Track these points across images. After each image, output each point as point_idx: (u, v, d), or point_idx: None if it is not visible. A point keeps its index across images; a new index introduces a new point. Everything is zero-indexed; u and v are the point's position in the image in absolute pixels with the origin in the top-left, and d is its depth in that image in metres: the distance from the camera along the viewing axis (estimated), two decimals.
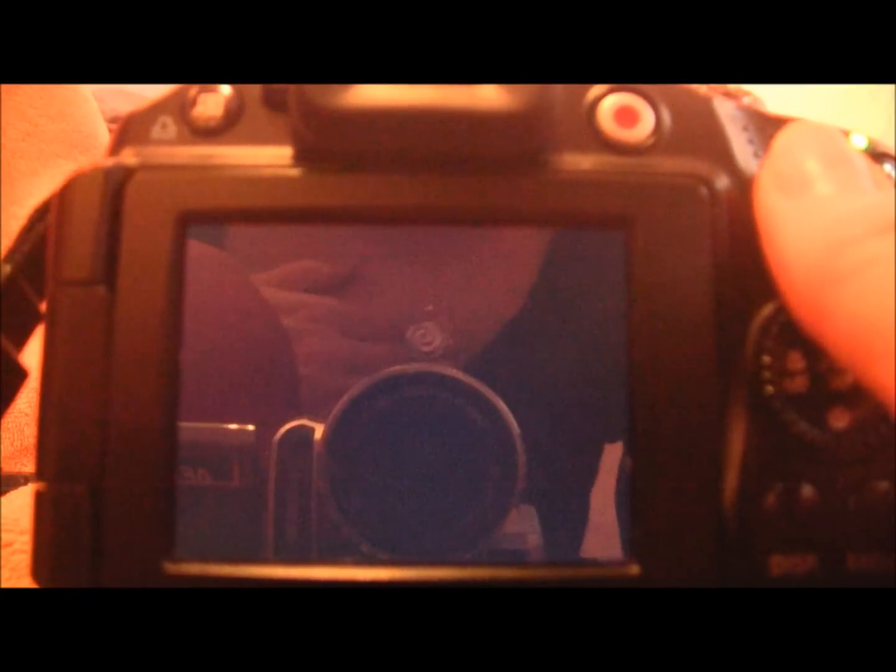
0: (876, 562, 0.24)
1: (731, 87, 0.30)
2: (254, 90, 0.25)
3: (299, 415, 0.25)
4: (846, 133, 0.25)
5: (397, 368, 0.25)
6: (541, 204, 0.25)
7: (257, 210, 0.25)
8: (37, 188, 0.56)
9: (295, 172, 0.25)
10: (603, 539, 0.24)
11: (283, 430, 0.25)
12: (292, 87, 0.24)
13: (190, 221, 0.24)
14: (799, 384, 0.24)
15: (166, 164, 0.25)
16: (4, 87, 0.58)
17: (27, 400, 0.28)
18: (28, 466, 0.49)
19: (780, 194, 0.22)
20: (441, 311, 0.25)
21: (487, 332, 0.25)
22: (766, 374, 0.24)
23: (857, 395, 0.24)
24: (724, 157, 0.25)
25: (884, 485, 0.24)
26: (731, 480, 0.24)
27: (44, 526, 0.24)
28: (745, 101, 0.30)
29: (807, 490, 0.24)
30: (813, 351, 0.24)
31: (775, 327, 0.24)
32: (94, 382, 0.24)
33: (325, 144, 0.25)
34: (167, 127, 0.25)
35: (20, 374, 0.28)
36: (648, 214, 0.25)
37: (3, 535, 0.35)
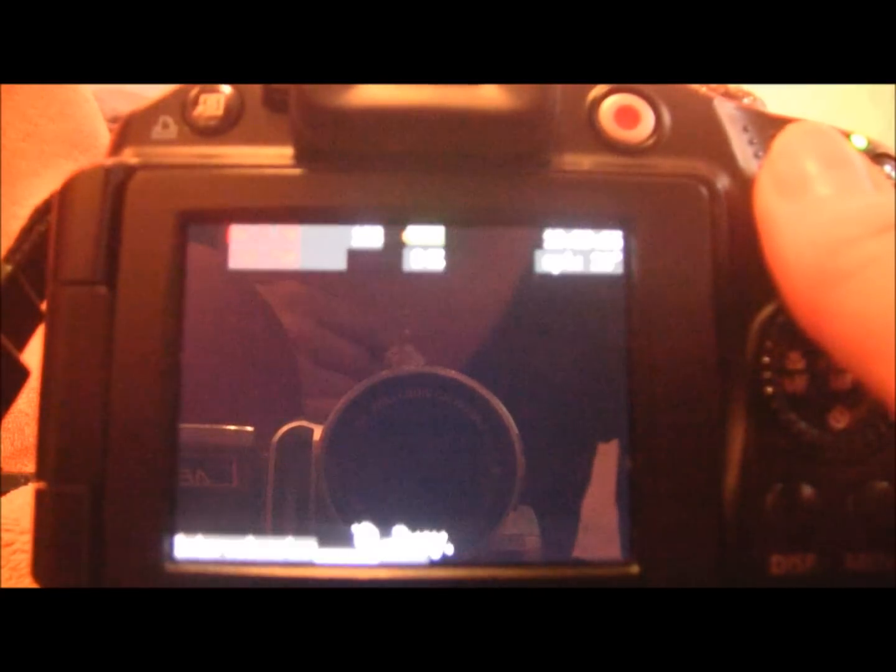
0: (875, 561, 0.24)
1: (732, 87, 0.30)
2: (254, 90, 0.26)
3: (298, 416, 0.25)
4: (846, 134, 0.25)
5: (396, 370, 0.25)
6: (541, 204, 0.25)
7: (257, 209, 0.25)
8: (37, 188, 0.55)
9: (295, 172, 0.25)
10: (602, 539, 0.24)
11: (281, 431, 0.25)
12: (293, 88, 0.24)
13: (190, 221, 0.24)
14: (798, 384, 0.24)
15: (167, 163, 0.25)
16: (4, 87, 0.58)
17: (27, 400, 0.28)
18: (28, 466, 0.49)
19: (780, 195, 0.22)
20: (419, 334, 0.25)
21: (477, 341, 0.25)
22: (766, 375, 0.24)
23: (857, 395, 0.24)
24: (724, 157, 0.25)
25: (883, 485, 0.24)
26: (731, 480, 0.24)
27: (44, 526, 0.24)
28: (746, 101, 0.30)
29: (806, 490, 0.24)
30: (812, 351, 0.24)
31: (775, 328, 0.24)
32: (94, 382, 0.24)
33: (325, 144, 0.25)
34: (168, 127, 0.25)
35: (21, 374, 0.28)
36: (648, 214, 0.25)
37: (4, 535, 0.35)
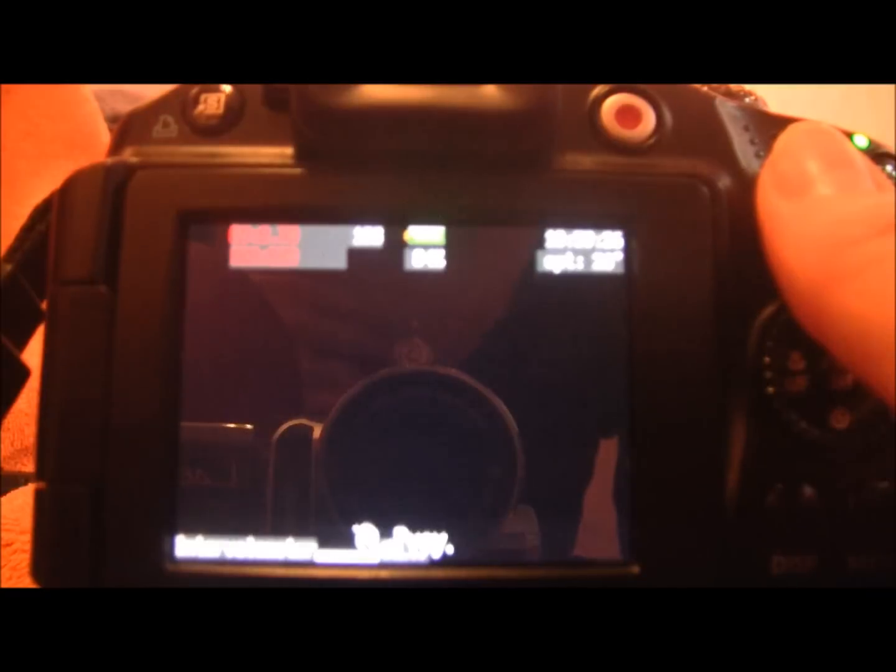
0: (876, 561, 0.24)
1: (733, 86, 0.30)
2: (255, 90, 0.26)
3: (298, 414, 0.25)
4: (848, 134, 0.25)
5: (396, 368, 0.25)
6: (542, 203, 0.25)
7: (258, 209, 0.25)
8: (37, 188, 0.55)
9: (295, 172, 0.25)
10: (602, 539, 0.24)
11: (281, 429, 0.25)
12: (293, 87, 0.24)
13: (191, 220, 0.24)
14: (799, 384, 0.24)
15: (167, 162, 0.25)
16: (4, 87, 0.58)
17: (27, 400, 0.28)
18: (28, 466, 0.49)
19: (781, 195, 0.22)
20: (426, 326, 0.25)
21: (477, 340, 0.25)
22: (767, 375, 0.24)
23: (858, 395, 0.24)
24: (725, 157, 0.25)
25: (884, 485, 0.24)
26: (732, 480, 0.24)
27: (44, 526, 0.24)
28: (747, 101, 0.30)
29: (807, 490, 0.24)
30: (814, 351, 0.24)
31: (776, 328, 0.24)
32: (94, 382, 0.24)
33: (325, 144, 0.25)
34: (168, 126, 0.25)
35: (22, 374, 0.28)
36: (650, 214, 0.25)
37: (4, 535, 0.35)
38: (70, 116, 0.61)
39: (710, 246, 0.24)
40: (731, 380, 0.24)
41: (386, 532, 0.24)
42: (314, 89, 0.24)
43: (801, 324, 0.21)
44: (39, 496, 0.24)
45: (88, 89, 0.64)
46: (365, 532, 0.24)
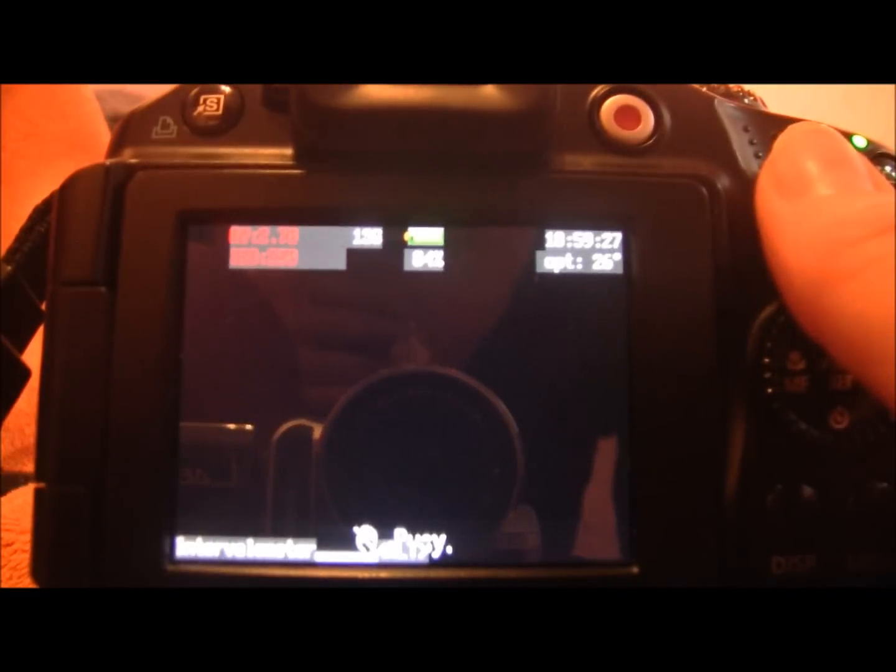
0: (875, 561, 0.24)
1: (733, 87, 0.30)
2: (254, 90, 0.26)
3: (298, 415, 0.25)
4: (847, 134, 0.25)
5: (396, 369, 0.25)
6: (541, 204, 0.25)
7: (257, 210, 0.25)
8: (37, 188, 0.55)
9: (295, 172, 0.25)
10: (602, 539, 0.24)
11: (281, 429, 0.25)
12: (293, 88, 0.24)
13: (190, 221, 0.24)
14: (799, 385, 0.24)
15: (167, 163, 0.25)
16: (4, 87, 0.58)
17: (27, 400, 0.28)
18: (28, 466, 0.49)
19: (780, 195, 0.22)
20: (426, 326, 0.25)
21: (477, 341, 0.25)
22: (767, 375, 0.24)
23: (857, 395, 0.24)
24: (724, 157, 0.25)
25: (883, 485, 0.24)
26: (732, 481, 0.24)
27: (44, 526, 0.24)
28: (747, 101, 0.30)
29: (807, 490, 0.24)
30: (813, 352, 0.24)
31: (776, 328, 0.24)
32: (94, 382, 0.24)
33: (325, 144, 0.25)
34: (168, 126, 0.25)
35: (22, 374, 0.28)
36: (649, 214, 0.25)
37: (4, 535, 0.35)
38: (70, 116, 0.61)
39: (710, 246, 0.24)
40: (731, 380, 0.24)
41: (385, 532, 0.24)
42: (314, 89, 0.24)
43: (800, 324, 0.21)
44: (39, 496, 0.24)
45: (88, 89, 0.64)
46: (364, 533, 0.24)
